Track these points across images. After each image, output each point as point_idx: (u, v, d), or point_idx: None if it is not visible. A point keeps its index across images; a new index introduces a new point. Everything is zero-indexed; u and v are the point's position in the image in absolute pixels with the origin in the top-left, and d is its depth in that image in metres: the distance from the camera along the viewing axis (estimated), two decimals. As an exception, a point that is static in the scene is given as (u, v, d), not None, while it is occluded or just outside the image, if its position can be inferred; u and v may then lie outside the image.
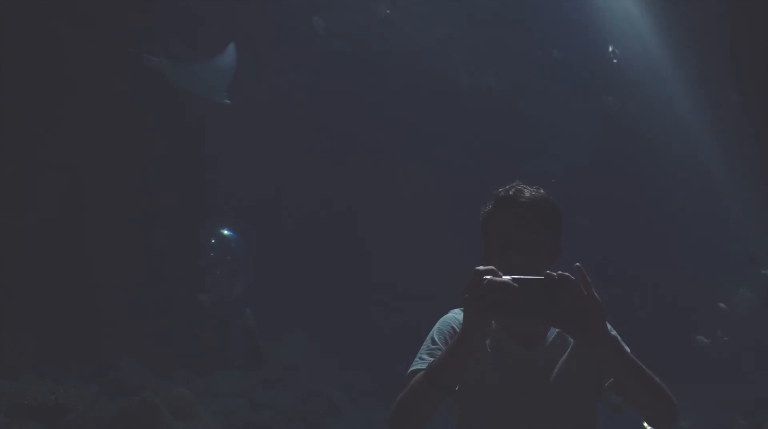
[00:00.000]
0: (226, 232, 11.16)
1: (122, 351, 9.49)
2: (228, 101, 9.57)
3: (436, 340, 2.33)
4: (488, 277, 1.96)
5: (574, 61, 11.48)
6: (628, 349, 2.14)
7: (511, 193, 2.35)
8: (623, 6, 11.13)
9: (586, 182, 11.29)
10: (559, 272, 1.98)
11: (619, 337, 2.21)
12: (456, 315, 2.39)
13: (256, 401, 10.08)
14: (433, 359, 2.16)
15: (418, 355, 2.33)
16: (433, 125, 11.70)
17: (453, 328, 2.34)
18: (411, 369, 2.28)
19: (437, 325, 2.41)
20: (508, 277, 1.97)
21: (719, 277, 11.31)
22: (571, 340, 2.32)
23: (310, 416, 10.20)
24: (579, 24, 11.16)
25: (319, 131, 11.19)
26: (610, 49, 10.87)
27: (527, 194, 2.34)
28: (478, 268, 1.98)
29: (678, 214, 12.00)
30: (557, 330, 2.35)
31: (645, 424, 2.38)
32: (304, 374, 10.95)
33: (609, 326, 2.16)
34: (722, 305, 10.79)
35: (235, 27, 10.08)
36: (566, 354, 2.33)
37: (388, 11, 10.58)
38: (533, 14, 11.20)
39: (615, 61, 10.79)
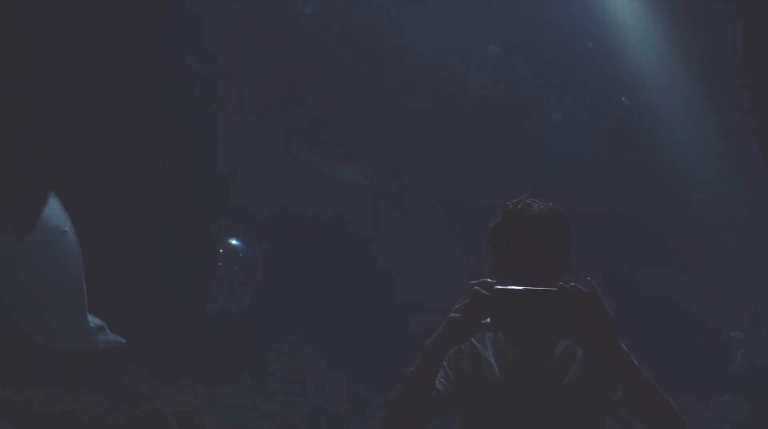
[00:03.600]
0: (234, 241, 11.19)
1: (128, 359, 9.46)
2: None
3: None
4: (498, 286, 1.99)
5: (581, 71, 11.48)
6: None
7: (519, 206, 2.37)
8: (631, 16, 11.14)
9: (594, 194, 11.23)
10: (572, 284, 1.99)
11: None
12: None
13: (262, 411, 10.06)
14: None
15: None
16: (440, 136, 11.71)
17: None
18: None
19: None
20: (519, 288, 1.98)
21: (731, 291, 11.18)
22: (579, 353, 2.33)
23: (316, 427, 10.19)
24: (589, 34, 11.16)
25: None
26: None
27: (535, 208, 2.35)
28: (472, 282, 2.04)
29: (688, 224, 11.89)
30: (566, 343, 2.35)
31: None
32: (310, 385, 10.93)
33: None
34: None
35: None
36: (575, 367, 2.33)
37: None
38: (544, 28, 11.20)
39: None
